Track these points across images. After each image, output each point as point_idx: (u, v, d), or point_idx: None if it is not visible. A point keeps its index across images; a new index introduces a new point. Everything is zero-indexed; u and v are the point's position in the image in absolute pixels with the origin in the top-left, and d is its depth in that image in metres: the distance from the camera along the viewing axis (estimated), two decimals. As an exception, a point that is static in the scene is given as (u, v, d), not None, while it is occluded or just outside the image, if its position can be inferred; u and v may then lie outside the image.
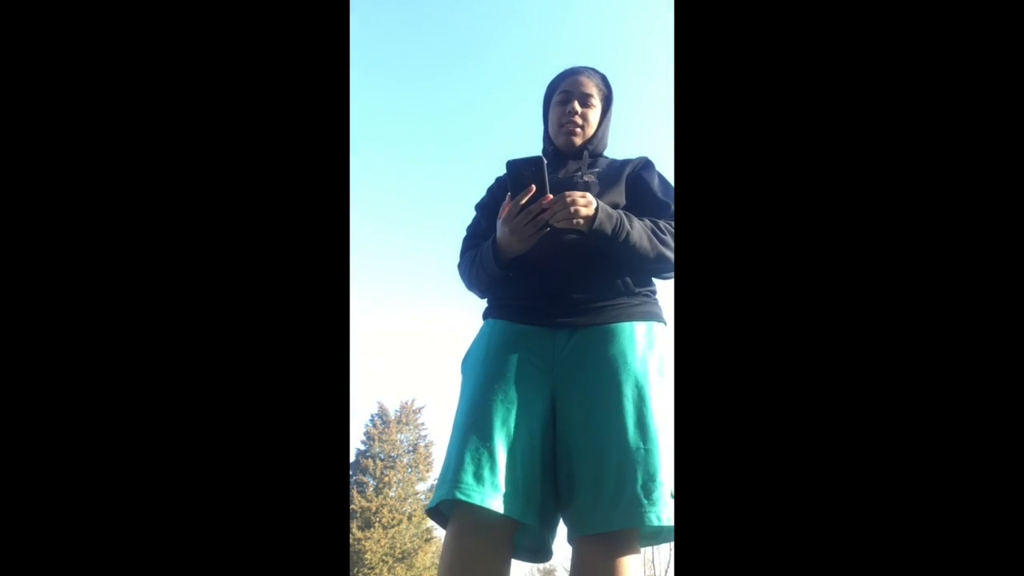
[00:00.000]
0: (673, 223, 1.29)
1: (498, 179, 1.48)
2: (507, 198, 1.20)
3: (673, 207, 1.33)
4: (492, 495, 1.08)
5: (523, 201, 1.15)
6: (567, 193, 1.17)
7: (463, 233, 1.48)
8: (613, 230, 1.20)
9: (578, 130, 1.40)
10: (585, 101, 1.42)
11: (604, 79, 1.47)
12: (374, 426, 20.29)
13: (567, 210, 1.15)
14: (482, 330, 1.32)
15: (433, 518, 1.18)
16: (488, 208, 1.45)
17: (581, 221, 1.17)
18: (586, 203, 1.17)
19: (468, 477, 1.09)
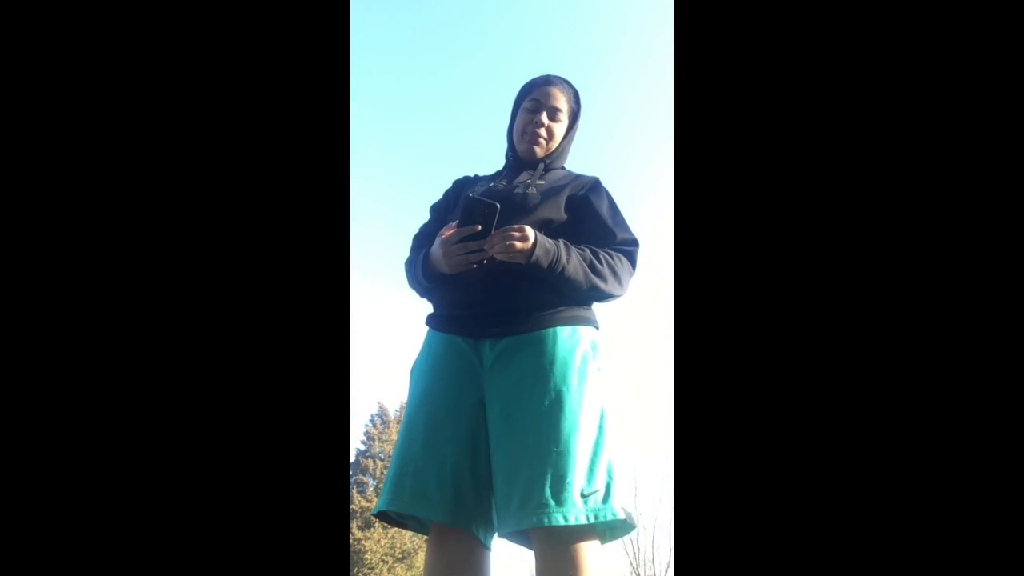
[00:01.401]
0: (614, 256, 1.32)
1: (455, 183, 1.53)
2: (455, 224, 1.25)
3: (618, 235, 1.36)
4: (422, 503, 1.16)
5: (461, 236, 1.22)
6: (506, 229, 1.22)
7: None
8: (549, 264, 1.23)
9: (541, 141, 1.43)
10: (553, 115, 1.44)
11: (576, 95, 1.49)
12: (374, 426, 20.28)
13: (504, 244, 1.20)
14: (424, 340, 1.38)
15: (384, 520, 1.26)
16: (440, 211, 1.49)
17: (522, 258, 1.21)
18: (522, 237, 1.21)
19: (402, 488, 1.18)
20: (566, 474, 1.11)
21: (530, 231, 1.23)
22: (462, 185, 1.51)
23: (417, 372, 1.33)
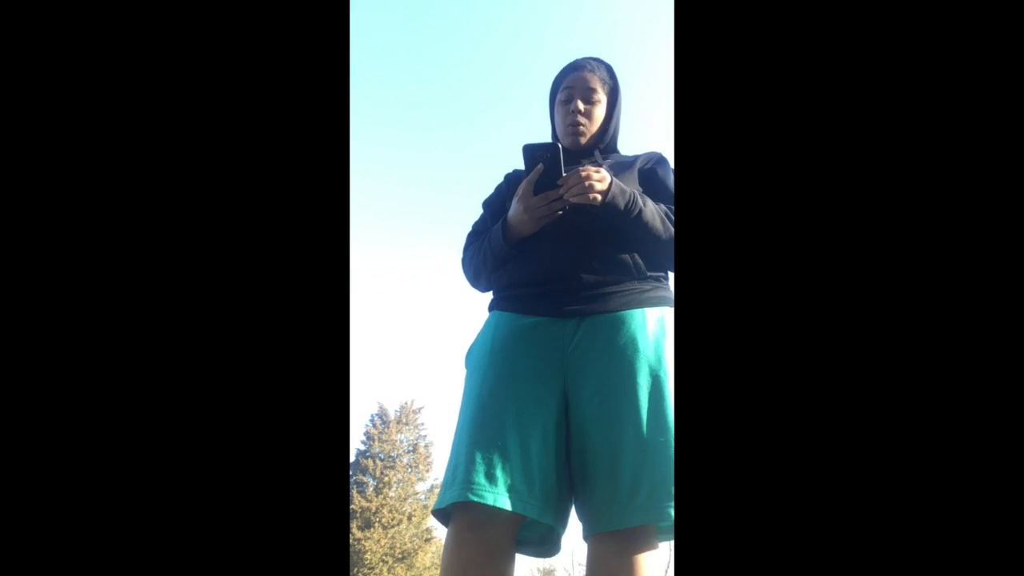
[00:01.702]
0: None
1: (507, 177, 1.46)
2: (523, 181, 1.20)
3: None
4: (505, 495, 1.05)
5: (535, 179, 1.16)
6: (582, 168, 1.17)
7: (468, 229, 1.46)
8: (626, 205, 1.17)
9: (582, 128, 1.36)
10: (589, 97, 1.37)
11: (609, 70, 1.41)
12: (374, 426, 20.28)
13: (581, 184, 1.14)
14: (487, 323, 1.28)
15: (439, 519, 1.15)
16: (495, 206, 1.41)
17: (598, 196, 1.15)
18: (600, 178, 1.16)
19: (480, 478, 1.06)
20: (670, 469, 1.04)
21: (605, 171, 1.18)
22: (514, 178, 1.41)
23: (485, 356, 1.21)
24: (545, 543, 1.19)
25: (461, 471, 1.09)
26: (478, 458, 1.08)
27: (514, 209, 1.22)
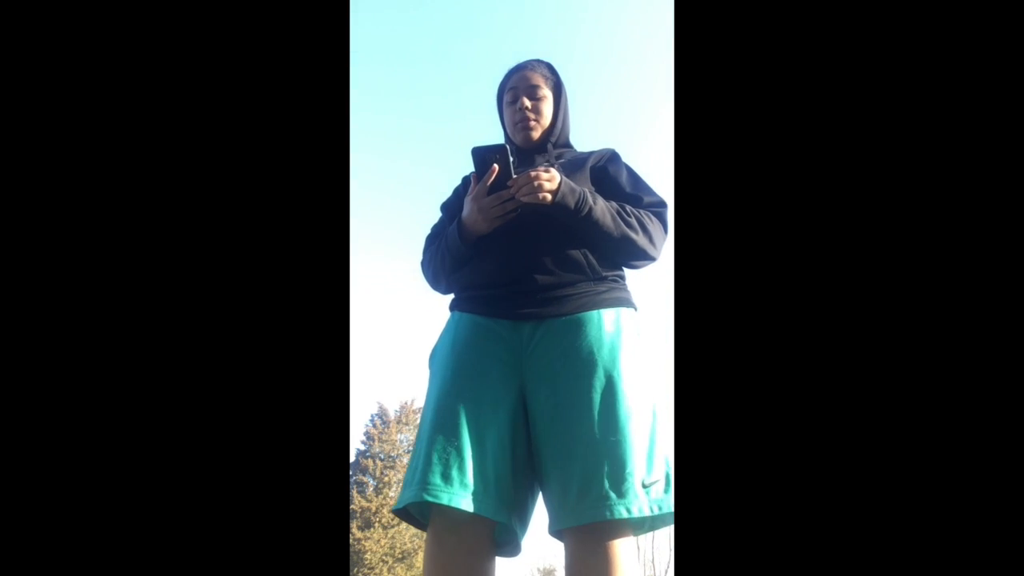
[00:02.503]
0: (643, 212, 1.29)
1: (464, 179, 1.48)
2: (473, 181, 1.23)
3: (645, 199, 1.33)
4: (461, 495, 1.07)
5: (489, 181, 1.18)
6: (532, 169, 1.20)
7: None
8: (576, 204, 1.20)
9: (532, 123, 1.39)
10: (533, 94, 1.40)
11: (550, 68, 1.45)
12: (374, 426, 20.28)
13: (531, 184, 1.17)
14: (448, 323, 1.31)
15: (402, 517, 1.17)
16: (453, 209, 1.43)
17: (548, 196, 1.18)
18: (549, 177, 1.19)
19: (436, 478, 1.08)
20: (625, 464, 1.06)
21: (555, 171, 1.21)
22: (471, 182, 1.47)
23: (446, 357, 1.23)
24: (508, 544, 1.20)
25: (419, 471, 1.11)
26: (435, 459, 1.10)
27: (467, 209, 1.24)
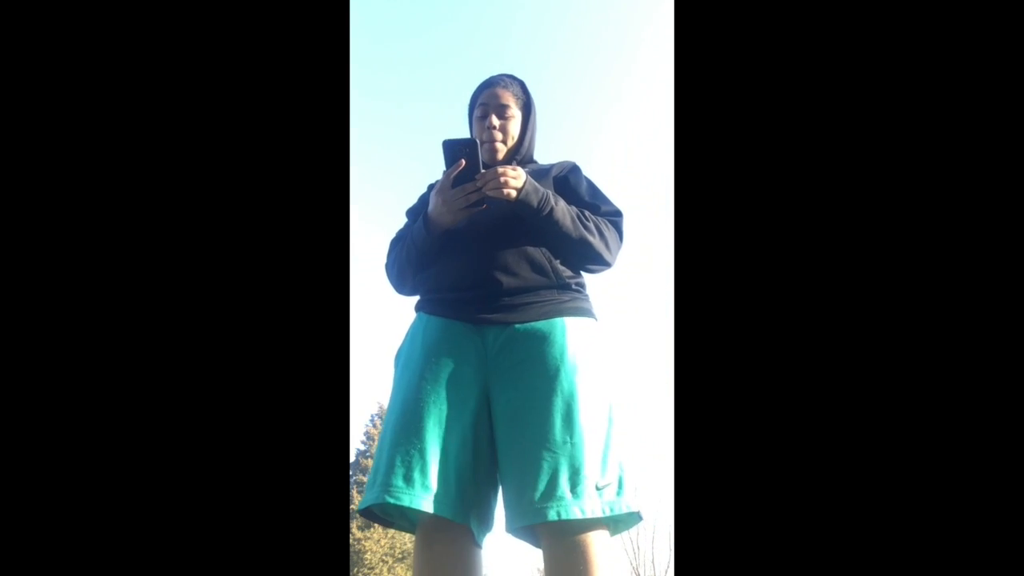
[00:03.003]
0: (600, 219, 1.34)
1: (430, 186, 1.52)
2: (442, 175, 1.25)
3: (603, 207, 1.38)
4: (423, 496, 1.11)
5: (454, 174, 1.22)
6: (500, 166, 1.24)
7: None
8: (539, 203, 1.25)
9: (498, 144, 1.43)
10: (502, 113, 1.44)
11: (523, 86, 1.49)
12: (374, 426, 20.28)
13: (497, 180, 1.21)
14: (413, 327, 1.34)
15: (367, 517, 1.21)
16: (419, 213, 1.45)
17: (512, 192, 1.22)
18: (515, 175, 1.23)
19: (398, 480, 1.12)
20: (581, 467, 1.10)
21: (521, 170, 1.25)
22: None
23: (411, 359, 1.27)
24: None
25: (382, 473, 1.15)
26: (398, 461, 1.14)
27: (433, 202, 1.28)
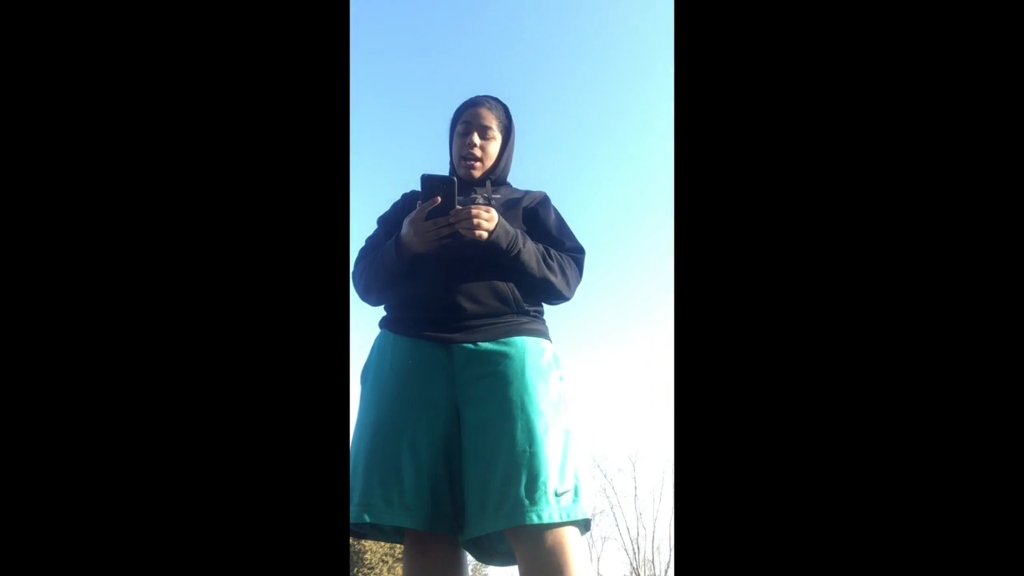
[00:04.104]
0: (564, 257, 1.43)
1: (404, 195, 1.57)
2: (418, 205, 1.32)
3: (567, 243, 1.47)
4: (401, 513, 1.18)
5: (427, 209, 1.29)
6: (474, 206, 1.31)
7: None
8: (508, 244, 1.32)
9: (477, 164, 1.48)
10: (484, 134, 1.50)
11: (505, 110, 1.55)
12: (374, 426, 20.24)
13: (470, 220, 1.28)
14: (379, 343, 1.39)
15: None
16: (390, 222, 1.52)
17: (484, 234, 1.29)
18: (489, 217, 1.30)
19: (377, 499, 1.18)
20: (539, 474, 1.16)
21: (494, 212, 1.33)
22: (411, 197, 1.55)
23: (380, 377, 1.33)
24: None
25: (358, 493, 1.20)
26: (375, 480, 1.20)
27: (405, 229, 1.34)
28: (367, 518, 1.17)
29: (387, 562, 17.57)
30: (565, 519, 1.15)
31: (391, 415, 1.26)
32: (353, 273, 1.49)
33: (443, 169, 1.53)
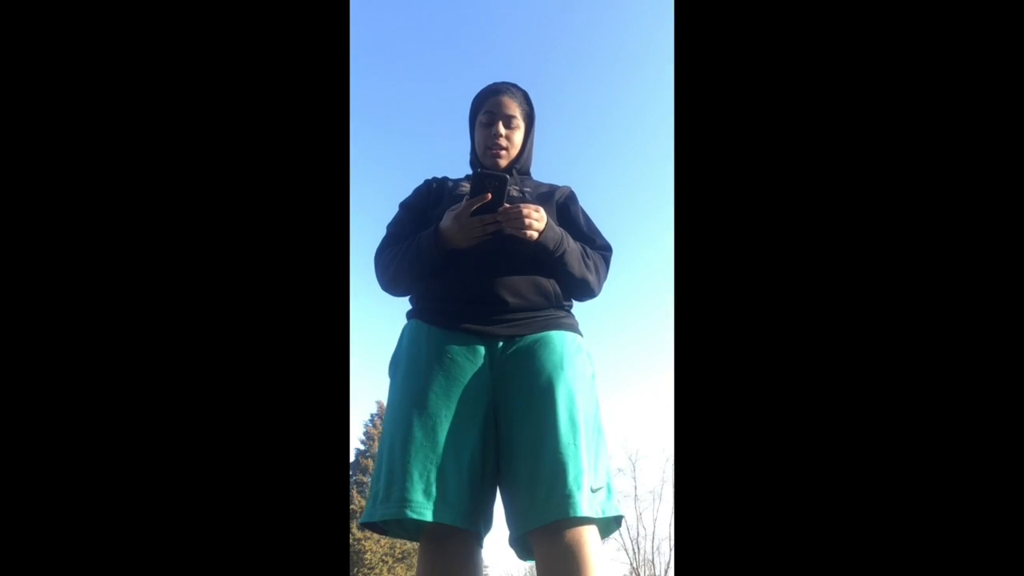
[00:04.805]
0: (595, 254, 1.43)
1: (427, 181, 1.53)
2: (465, 200, 1.29)
3: (597, 241, 1.47)
4: (443, 510, 1.14)
5: (476, 206, 1.26)
6: (524, 205, 1.28)
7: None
8: (555, 245, 1.31)
9: (503, 152, 1.46)
10: (509, 123, 1.47)
11: (527, 97, 1.52)
12: (374, 426, 20.29)
13: (521, 220, 1.26)
14: (411, 334, 1.35)
15: (370, 528, 1.22)
16: (413, 208, 1.49)
17: (534, 234, 1.27)
18: (539, 217, 1.29)
19: (418, 495, 1.14)
20: (582, 469, 1.15)
21: (543, 212, 1.30)
22: (435, 184, 1.51)
23: (415, 369, 1.28)
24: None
25: (397, 487, 1.16)
26: (415, 475, 1.16)
27: (448, 223, 1.30)
28: (408, 514, 1.12)
29: (387, 562, 17.57)
30: (601, 514, 1.14)
31: (430, 409, 1.21)
32: (377, 262, 1.44)
33: (457, 161, 1.52)
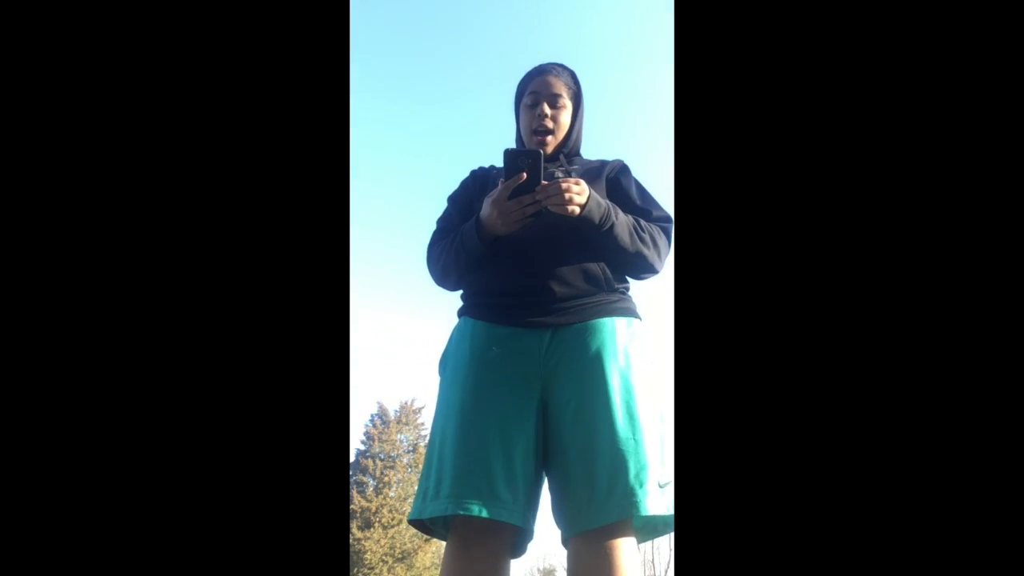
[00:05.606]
0: (652, 227, 1.33)
1: (473, 172, 1.48)
2: (500, 183, 1.22)
3: (654, 212, 1.37)
4: (495, 506, 1.09)
5: (514, 186, 1.18)
6: (563, 179, 1.20)
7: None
8: (601, 218, 1.22)
9: (549, 137, 1.40)
10: (555, 102, 1.40)
11: (573, 76, 1.45)
12: (374, 426, 20.29)
13: (561, 195, 1.17)
14: (460, 331, 1.31)
15: (416, 527, 1.19)
16: (460, 201, 1.44)
17: (576, 208, 1.19)
18: (580, 191, 1.20)
19: (468, 491, 1.10)
20: (645, 464, 1.09)
21: (584, 184, 1.22)
22: (480, 175, 1.46)
23: (464, 366, 1.24)
24: (519, 546, 1.23)
25: (447, 484, 1.13)
26: (464, 471, 1.12)
27: (487, 210, 1.24)
28: (459, 512, 1.09)
29: (387, 562, 17.57)
30: (670, 512, 1.08)
31: (479, 406, 1.17)
32: (428, 258, 1.40)
33: (488, 151, 1.44)
